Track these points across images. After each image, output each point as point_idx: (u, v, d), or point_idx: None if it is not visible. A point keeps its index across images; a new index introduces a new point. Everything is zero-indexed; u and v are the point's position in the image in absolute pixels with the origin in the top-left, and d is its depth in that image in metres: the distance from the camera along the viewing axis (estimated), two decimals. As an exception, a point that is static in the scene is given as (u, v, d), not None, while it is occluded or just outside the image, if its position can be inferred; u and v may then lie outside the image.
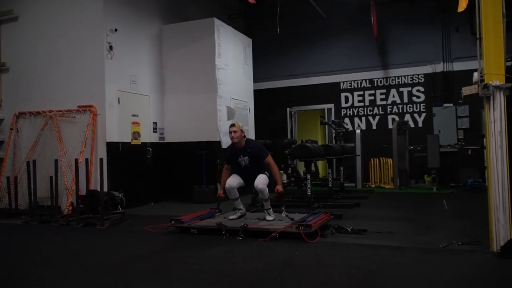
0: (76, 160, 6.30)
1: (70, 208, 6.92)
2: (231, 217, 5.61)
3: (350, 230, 4.96)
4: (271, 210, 5.57)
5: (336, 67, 11.41)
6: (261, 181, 5.38)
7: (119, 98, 7.65)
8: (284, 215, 5.41)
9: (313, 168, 9.18)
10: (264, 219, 5.41)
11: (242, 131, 5.55)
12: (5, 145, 8.04)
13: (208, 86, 8.46)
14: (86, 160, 6.76)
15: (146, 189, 8.27)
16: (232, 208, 5.94)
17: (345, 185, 9.95)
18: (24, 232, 5.84)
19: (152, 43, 8.69)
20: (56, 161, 6.43)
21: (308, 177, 6.50)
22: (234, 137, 5.46)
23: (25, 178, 7.47)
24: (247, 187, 5.65)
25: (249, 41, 10.07)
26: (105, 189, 6.90)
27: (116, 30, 7.56)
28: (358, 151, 10.13)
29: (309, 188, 6.50)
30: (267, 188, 5.46)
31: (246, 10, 12.00)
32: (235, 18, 11.67)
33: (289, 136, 11.20)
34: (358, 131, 10.31)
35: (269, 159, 5.51)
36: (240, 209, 5.74)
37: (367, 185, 10.51)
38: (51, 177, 6.54)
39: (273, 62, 12.04)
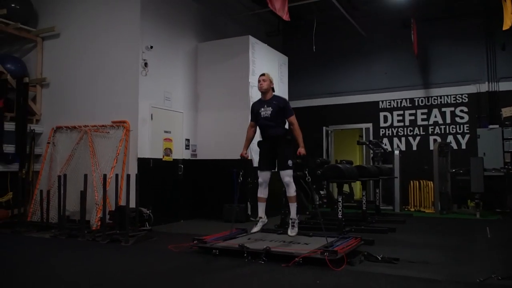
0: (105, 176, 6.31)
1: (99, 223, 6.95)
2: (253, 230, 5.33)
3: (380, 258, 4.63)
4: (296, 221, 5.24)
5: (375, 86, 11.08)
6: (287, 173, 5.16)
7: (152, 114, 7.69)
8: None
9: (347, 189, 8.84)
10: (287, 234, 5.14)
11: (271, 81, 5.34)
12: (41, 158, 8.26)
13: (241, 104, 8.38)
14: (116, 175, 6.78)
15: (176, 206, 8.22)
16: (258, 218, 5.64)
17: (382, 208, 9.54)
18: (48, 246, 5.88)
19: (187, 60, 8.74)
20: (85, 175, 6.47)
21: (340, 199, 6.21)
22: (262, 86, 5.28)
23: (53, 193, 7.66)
24: (274, 165, 5.42)
25: (285, 59, 9.96)
26: (134, 205, 6.95)
27: (151, 47, 7.66)
28: (397, 172, 9.68)
29: (340, 210, 6.21)
30: (294, 184, 5.21)
31: (285, 28, 11.94)
32: (273, 35, 11.62)
33: (324, 156, 10.90)
34: (396, 151, 9.87)
35: (293, 118, 5.33)
36: (261, 218, 5.41)
37: (406, 209, 10.00)
38: (81, 191, 6.60)
39: (310, 80, 11.87)
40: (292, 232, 5.17)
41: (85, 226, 6.61)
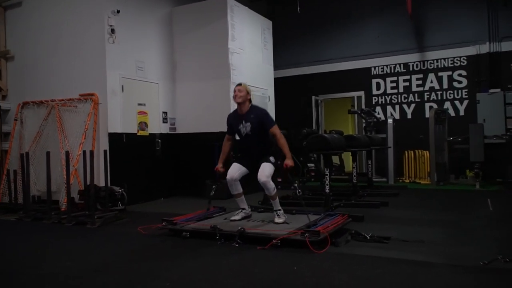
0: (67, 152, 5.74)
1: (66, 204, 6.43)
2: (233, 217, 4.90)
3: (369, 238, 4.13)
4: (281, 211, 4.79)
5: (367, 51, 10.40)
6: (264, 172, 4.58)
7: (122, 86, 7.07)
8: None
9: (338, 161, 8.33)
10: (273, 221, 4.67)
11: (248, 93, 4.78)
12: (10, 137, 7.68)
13: (221, 72, 7.75)
14: (85, 152, 6.19)
15: (155, 183, 7.69)
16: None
17: (376, 180, 9.06)
18: (9, 230, 5.38)
19: (162, 26, 8.05)
20: (48, 153, 5.90)
21: (327, 172, 5.68)
22: (237, 96, 4.71)
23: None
24: (252, 174, 4.84)
25: (268, 23, 9.26)
26: (107, 183, 6.43)
27: (118, 11, 6.97)
28: (390, 142, 9.14)
29: (327, 184, 5.68)
30: (272, 182, 4.68)
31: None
32: (256, 0, 10.85)
33: (314, 127, 10.33)
34: (390, 120, 9.30)
35: (275, 129, 4.74)
36: (244, 209, 5.02)
37: (400, 180, 9.51)
38: (49, 170, 6.04)
39: (298, 47, 11.17)
40: (279, 219, 4.67)
41: (53, 207, 6.12)
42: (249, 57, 8.36)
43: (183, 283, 3.07)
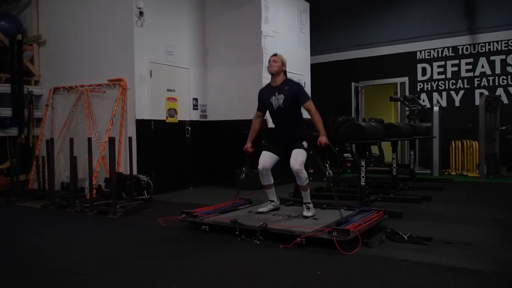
0: (90, 139, 5.57)
1: (94, 191, 6.32)
2: (260, 209, 4.59)
3: (406, 238, 3.67)
4: (311, 204, 4.45)
5: (412, 34, 9.71)
6: (298, 159, 4.25)
7: (151, 71, 6.85)
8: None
9: (377, 151, 7.79)
10: (302, 215, 4.31)
11: (284, 64, 4.46)
12: (40, 122, 7.68)
13: (253, 56, 7.37)
14: (110, 139, 6.01)
15: (184, 172, 7.47)
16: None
17: (419, 172, 8.48)
18: (31, 218, 5.30)
19: (193, 9, 7.75)
20: (71, 139, 5.78)
21: (363, 163, 5.21)
22: (273, 67, 4.40)
23: (58, 158, 7.13)
24: (284, 161, 4.47)
25: (305, 5, 8.76)
26: (133, 171, 6.27)
27: (147, -7, 6.73)
28: (436, 131, 8.47)
29: (363, 177, 5.22)
30: (305, 171, 4.34)
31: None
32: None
33: (353, 115, 9.78)
34: (436, 108, 8.61)
35: (310, 104, 4.42)
36: (273, 201, 4.69)
37: (446, 172, 8.83)
38: (74, 157, 5.91)
39: (337, 31, 10.62)
40: (308, 213, 4.35)
41: (78, 195, 6.02)
42: (284, 41, 7.93)
43: (192, 284, 2.77)
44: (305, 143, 4.41)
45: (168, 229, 4.37)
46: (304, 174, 4.31)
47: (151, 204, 5.86)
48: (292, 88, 4.42)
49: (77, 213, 5.44)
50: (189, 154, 7.56)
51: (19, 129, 7.55)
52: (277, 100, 4.42)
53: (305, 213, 4.32)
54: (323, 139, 4.32)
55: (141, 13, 6.65)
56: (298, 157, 4.29)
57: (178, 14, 7.43)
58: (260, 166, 4.48)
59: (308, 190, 4.46)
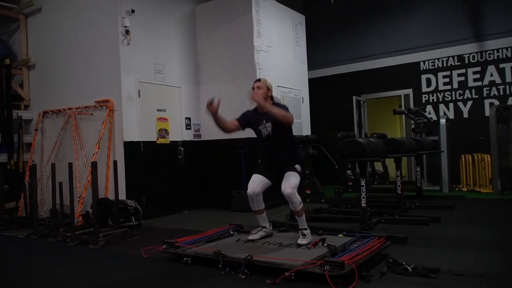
0: (71, 164, 5.22)
1: (80, 219, 5.98)
2: (250, 237, 4.21)
3: (410, 269, 3.22)
4: (307, 230, 4.05)
5: (414, 44, 9.34)
6: (290, 183, 3.92)
7: (139, 91, 6.55)
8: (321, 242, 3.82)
9: (381, 169, 7.36)
10: (293, 244, 3.91)
11: (269, 89, 4.17)
12: (30, 147, 7.40)
13: (246, 72, 7.03)
14: (92, 163, 5.66)
15: (178, 195, 7.10)
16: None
17: (428, 189, 8.02)
18: (11, 248, 4.95)
19: (183, 26, 7.48)
20: (53, 165, 5.47)
21: (363, 182, 4.79)
22: (256, 95, 4.09)
23: (46, 184, 6.84)
24: (276, 186, 4.13)
25: (301, 18, 8.46)
26: (122, 196, 5.96)
27: (133, 11, 6.47)
28: (443, 145, 8.01)
29: (363, 197, 4.80)
30: (298, 195, 3.98)
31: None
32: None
33: (356, 130, 9.37)
34: (442, 120, 8.17)
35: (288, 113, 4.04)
36: (265, 227, 4.30)
37: (456, 189, 8.34)
38: (60, 183, 5.58)
39: (336, 44, 10.30)
40: (303, 240, 3.96)
41: (64, 222, 5.65)
42: (279, 55, 7.61)
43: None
44: (298, 167, 4.08)
45: (148, 261, 3.99)
46: (297, 198, 3.95)
47: (138, 231, 5.49)
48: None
49: (59, 243, 5.08)
50: (183, 175, 7.20)
51: (8, 154, 7.27)
52: (266, 129, 4.13)
53: (300, 240, 3.92)
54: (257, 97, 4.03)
55: (127, 32, 6.39)
56: (290, 181, 3.95)
57: (167, 31, 7.17)
58: (249, 191, 4.12)
59: (304, 215, 4.08)
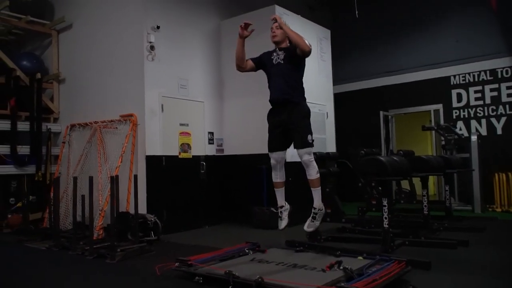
0: (91, 178, 5.28)
1: (101, 232, 6.03)
2: (281, 226, 4.37)
3: (430, 298, 3.05)
4: (322, 211, 4.28)
5: (444, 58, 9.08)
6: (306, 150, 4.14)
7: (162, 105, 6.60)
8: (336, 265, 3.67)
9: (407, 187, 7.11)
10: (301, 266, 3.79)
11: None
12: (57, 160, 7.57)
13: (270, 87, 6.98)
14: (111, 178, 5.66)
15: (199, 210, 7.07)
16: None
17: (459, 208, 7.70)
18: (30, 260, 5.01)
19: (208, 41, 7.53)
20: (75, 178, 5.57)
21: (385, 202, 4.62)
22: (275, 33, 4.39)
23: (71, 196, 6.95)
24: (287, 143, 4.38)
25: (326, 32, 8.36)
26: (143, 210, 5.99)
27: (158, 27, 6.57)
28: (475, 163, 7.68)
29: (385, 218, 4.61)
30: (315, 163, 4.19)
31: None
32: (317, 9, 10.02)
33: (383, 147, 9.14)
34: (474, 137, 7.85)
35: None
36: (283, 206, 4.41)
37: (490, 209, 7.96)
38: (82, 196, 5.66)
39: (364, 58, 10.15)
40: (309, 226, 4.18)
41: (85, 235, 5.71)
42: (303, 70, 7.52)
43: None
44: (309, 137, 4.17)
45: (161, 279, 3.94)
46: (314, 165, 4.17)
47: (157, 246, 5.48)
48: (293, 46, 4.25)
49: (77, 256, 5.12)
50: (204, 190, 7.17)
51: (36, 166, 7.46)
52: (278, 56, 4.36)
53: (307, 226, 4.02)
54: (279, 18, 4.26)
55: (152, 47, 6.47)
56: (306, 149, 4.16)
57: (192, 46, 7.23)
58: (272, 160, 4.39)
59: (319, 188, 4.23)
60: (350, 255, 4.08)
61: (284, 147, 4.41)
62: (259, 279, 3.25)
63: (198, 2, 7.37)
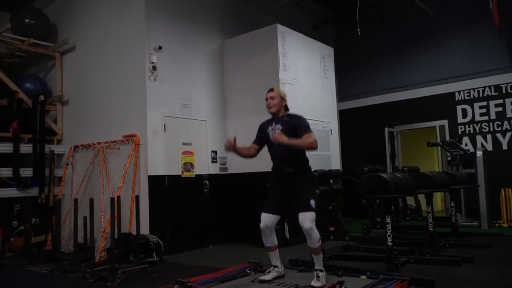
0: (92, 200, 5.27)
1: (104, 254, 5.99)
2: (262, 277, 4.06)
3: (434, 319, 2.96)
4: (323, 272, 3.84)
5: (449, 74, 9.06)
6: (307, 216, 3.80)
7: (165, 125, 6.62)
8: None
9: (413, 203, 7.02)
10: (310, 286, 3.71)
11: (283, 98, 4.19)
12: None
13: (272, 105, 6.99)
14: (111, 199, 5.61)
15: (203, 229, 7.01)
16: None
17: (466, 224, 7.57)
18: (30, 284, 4.99)
19: (210, 60, 7.58)
20: (76, 200, 5.56)
21: (388, 220, 4.55)
22: (270, 105, 4.16)
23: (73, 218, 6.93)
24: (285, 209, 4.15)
25: (329, 50, 8.40)
26: (146, 231, 5.95)
27: (160, 48, 6.63)
28: (480, 179, 7.58)
29: (389, 235, 4.54)
30: (317, 231, 3.82)
31: (335, 17, 10.31)
32: (321, 27, 10.09)
33: (388, 163, 9.06)
34: (479, 153, 7.76)
35: (310, 135, 3.91)
36: (277, 267, 4.13)
37: (497, 224, 7.81)
38: (84, 217, 5.64)
39: (368, 75, 10.14)
40: (316, 283, 3.80)
41: (87, 257, 5.66)
42: (306, 88, 7.55)
43: None
44: (312, 202, 3.87)
45: (161, 301, 3.88)
46: (316, 234, 3.81)
47: (159, 267, 5.43)
48: (291, 119, 4.10)
49: (79, 279, 5.08)
50: (208, 209, 7.13)
51: (39, 188, 7.47)
52: (274, 130, 4.09)
53: (314, 282, 3.73)
54: (279, 136, 3.84)
55: (154, 68, 6.53)
56: (307, 213, 3.82)
57: (195, 66, 7.28)
58: (262, 225, 4.10)
59: (321, 254, 3.90)
60: (353, 274, 4.00)
61: (281, 213, 4.18)
62: (259, 301, 3.18)
63: (200, 22, 7.45)
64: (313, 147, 3.89)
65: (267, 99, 4.17)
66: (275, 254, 4.16)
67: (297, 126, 4.00)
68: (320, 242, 3.89)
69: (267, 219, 4.09)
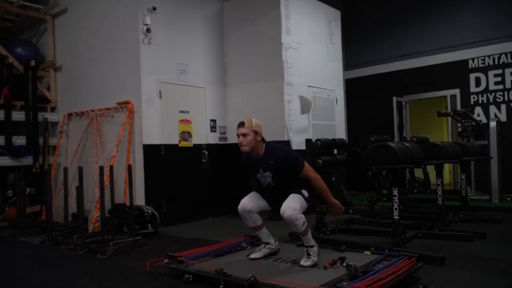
0: (81, 168, 5.00)
1: (97, 225, 5.76)
2: (252, 255, 3.75)
3: (444, 300, 2.69)
4: (314, 248, 3.49)
5: (462, 40, 8.55)
6: (289, 205, 3.37)
7: (160, 91, 6.28)
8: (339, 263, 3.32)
9: (421, 175, 6.70)
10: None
11: (256, 132, 3.52)
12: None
13: (273, 72, 6.62)
14: (100, 168, 5.31)
15: (201, 200, 6.77)
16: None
17: (476, 198, 7.25)
18: (20, 255, 4.77)
19: (209, 24, 7.15)
20: (65, 169, 5.29)
21: (395, 192, 4.24)
22: (243, 143, 3.53)
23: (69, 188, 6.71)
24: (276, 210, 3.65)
25: (336, 13, 7.92)
26: (141, 202, 5.72)
27: (154, 8, 6.21)
28: (493, 151, 7.21)
29: (396, 209, 4.24)
30: (300, 216, 3.39)
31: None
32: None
33: (396, 134, 8.70)
34: (492, 123, 7.36)
35: (307, 170, 3.50)
36: (268, 243, 3.82)
37: (508, 198, 7.48)
38: (76, 187, 5.39)
39: (376, 43, 9.65)
40: (306, 262, 3.43)
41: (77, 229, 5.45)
42: (310, 53, 7.13)
43: None
44: (304, 192, 3.52)
45: (151, 276, 3.64)
46: (298, 220, 3.35)
47: (153, 240, 5.21)
48: (278, 161, 3.51)
49: (69, 250, 4.86)
50: (207, 180, 6.86)
51: (33, 157, 7.22)
52: (265, 178, 3.61)
53: (304, 261, 3.41)
54: (336, 205, 3.54)
55: (148, 30, 6.13)
56: (291, 203, 3.39)
57: (192, 30, 6.87)
58: (240, 207, 3.70)
59: (309, 233, 3.52)
60: (356, 249, 3.73)
61: (265, 203, 3.76)
62: (252, 279, 2.92)
63: (198, -18, 7.00)
64: (322, 182, 3.55)
65: (238, 135, 3.57)
66: (263, 231, 3.79)
67: (287, 168, 3.51)
68: (306, 224, 3.44)
69: (247, 202, 3.68)
